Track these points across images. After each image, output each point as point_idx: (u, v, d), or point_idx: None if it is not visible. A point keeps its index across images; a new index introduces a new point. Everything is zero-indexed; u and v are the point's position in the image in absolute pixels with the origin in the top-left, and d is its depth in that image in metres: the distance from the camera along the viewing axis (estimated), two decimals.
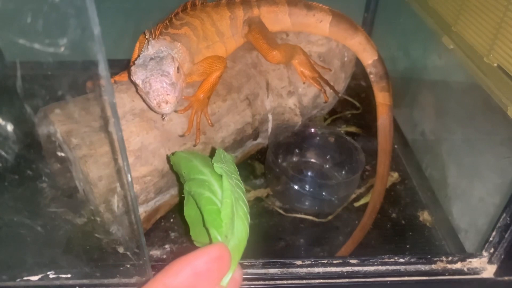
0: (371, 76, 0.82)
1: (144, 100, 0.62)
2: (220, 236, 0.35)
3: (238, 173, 0.43)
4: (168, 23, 0.68)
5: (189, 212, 0.41)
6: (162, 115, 0.63)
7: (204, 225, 0.37)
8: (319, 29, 0.81)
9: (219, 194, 0.38)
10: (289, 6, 0.79)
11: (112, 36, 0.92)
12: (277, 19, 0.80)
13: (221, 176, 0.39)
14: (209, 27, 0.72)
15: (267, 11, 0.79)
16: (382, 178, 0.79)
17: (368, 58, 0.82)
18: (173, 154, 0.48)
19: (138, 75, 0.58)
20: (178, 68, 0.60)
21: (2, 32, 0.41)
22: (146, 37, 0.65)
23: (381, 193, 0.78)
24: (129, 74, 0.60)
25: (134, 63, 0.60)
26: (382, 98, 0.81)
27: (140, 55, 0.61)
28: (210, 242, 0.36)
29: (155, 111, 0.61)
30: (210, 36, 0.72)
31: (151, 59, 0.60)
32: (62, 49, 0.37)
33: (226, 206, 0.36)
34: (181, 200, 0.45)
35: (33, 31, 0.37)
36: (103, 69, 0.33)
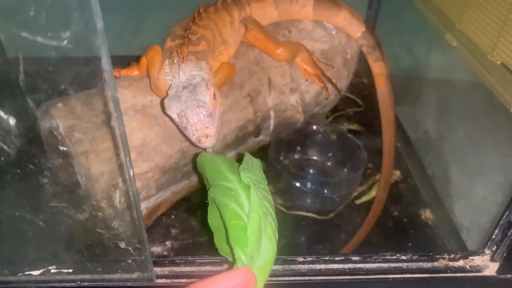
0: (364, 48, 0.83)
1: (183, 134, 0.58)
2: (245, 256, 0.32)
3: (266, 181, 0.40)
4: (187, 41, 0.63)
5: (213, 220, 0.39)
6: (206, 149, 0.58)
7: (227, 241, 0.34)
8: (304, 14, 0.82)
9: (246, 207, 0.35)
10: None
11: (113, 32, 0.92)
12: (266, 14, 0.80)
13: (248, 185, 0.36)
14: (217, 37, 0.70)
15: (257, 8, 0.79)
16: (389, 149, 0.80)
17: (357, 31, 0.82)
18: (197, 155, 0.46)
19: (173, 108, 0.54)
20: (214, 94, 0.55)
21: (4, 26, 0.41)
22: (174, 61, 0.59)
23: (391, 165, 0.79)
24: (162, 107, 0.56)
25: (166, 94, 0.56)
26: (377, 68, 0.82)
27: (172, 84, 0.57)
28: (234, 261, 0.33)
29: (195, 146, 0.56)
30: (217, 46, 0.69)
31: (184, 87, 0.55)
32: (65, 43, 0.37)
33: (253, 222, 0.33)
34: (202, 200, 0.43)
35: (36, 25, 0.37)
36: (106, 63, 0.32)
